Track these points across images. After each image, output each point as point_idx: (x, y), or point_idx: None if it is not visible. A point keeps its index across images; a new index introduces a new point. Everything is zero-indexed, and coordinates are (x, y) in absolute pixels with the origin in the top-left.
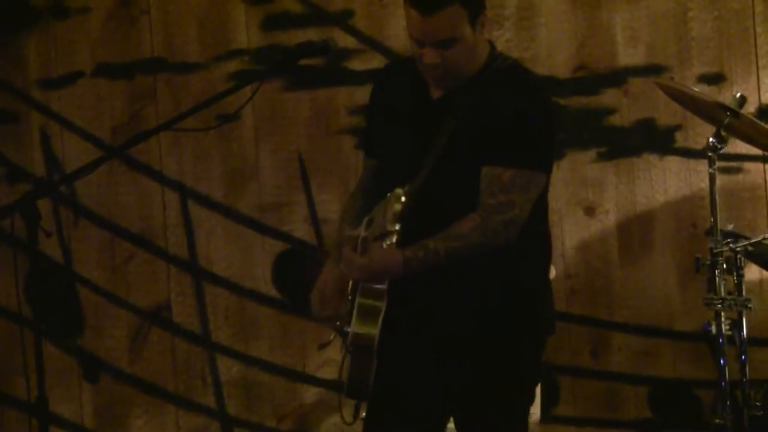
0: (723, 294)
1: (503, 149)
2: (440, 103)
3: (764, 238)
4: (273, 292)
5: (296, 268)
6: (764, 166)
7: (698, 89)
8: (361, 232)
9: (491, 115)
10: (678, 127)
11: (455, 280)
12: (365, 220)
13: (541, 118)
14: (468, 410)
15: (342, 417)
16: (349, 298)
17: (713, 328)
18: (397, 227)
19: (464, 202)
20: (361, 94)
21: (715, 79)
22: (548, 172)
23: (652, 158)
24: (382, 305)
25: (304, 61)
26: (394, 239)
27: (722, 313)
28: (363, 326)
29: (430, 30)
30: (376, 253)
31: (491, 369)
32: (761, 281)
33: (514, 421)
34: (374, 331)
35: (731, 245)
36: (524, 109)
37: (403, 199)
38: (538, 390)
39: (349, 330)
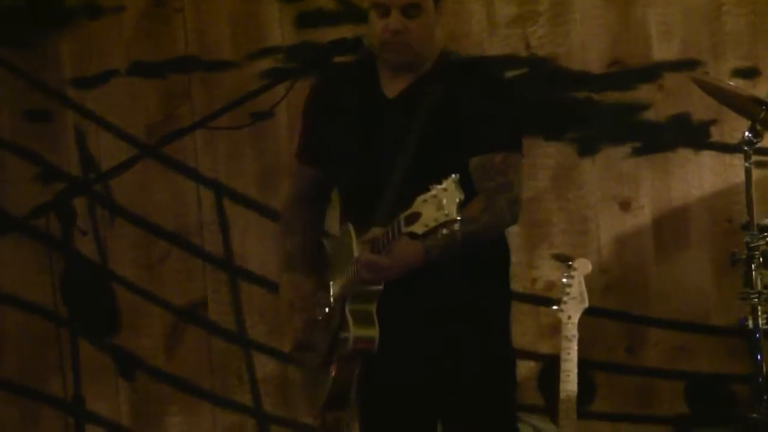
0: (759, 288)
1: (489, 136)
2: (399, 100)
3: None
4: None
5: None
6: None
7: (733, 83)
8: (352, 236)
9: (466, 105)
10: (713, 122)
11: (434, 282)
12: (347, 227)
13: (512, 103)
14: (455, 413)
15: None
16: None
17: (750, 323)
18: (461, 216)
19: None
20: None
21: (750, 73)
22: (523, 154)
23: (687, 153)
24: (374, 307)
25: (337, 59)
26: (456, 227)
27: (759, 308)
28: (362, 329)
29: None
30: (397, 250)
31: (478, 369)
32: None
33: (502, 418)
34: (374, 332)
35: None
36: (499, 96)
37: (460, 185)
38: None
39: (348, 335)
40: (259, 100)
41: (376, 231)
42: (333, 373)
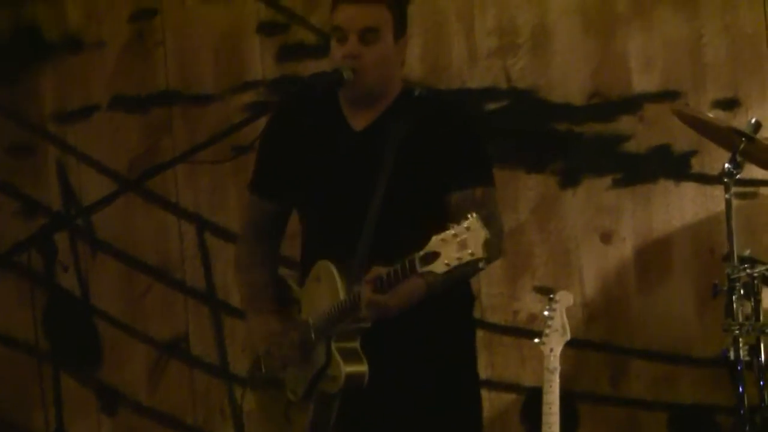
0: (741, 319)
1: (467, 172)
2: (367, 133)
3: None
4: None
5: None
6: None
7: (713, 115)
8: (334, 274)
9: (437, 142)
10: (694, 153)
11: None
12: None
13: (481, 138)
14: None
15: None
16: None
17: (731, 354)
18: (487, 255)
19: (420, 231)
20: None
21: (730, 104)
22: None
23: (668, 184)
24: (358, 343)
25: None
26: (482, 265)
27: (740, 339)
28: (352, 366)
29: (356, 17)
30: (401, 288)
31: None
32: None
33: None
34: (364, 368)
35: (748, 270)
36: (470, 132)
37: (481, 224)
38: None
39: (339, 374)
40: (240, 133)
41: (379, 270)
42: (311, 411)
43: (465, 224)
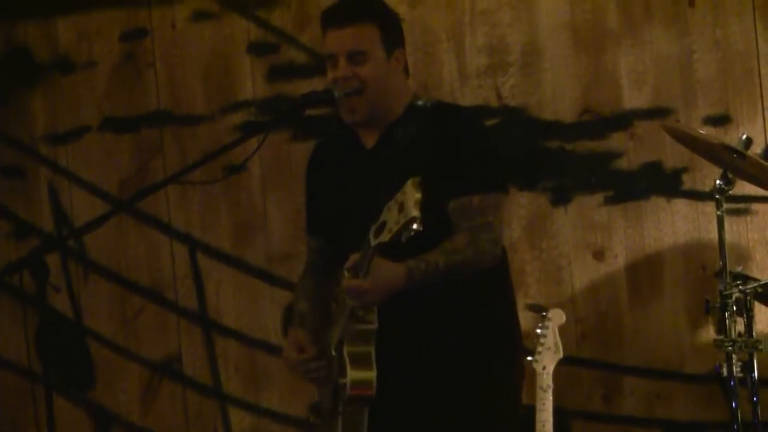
0: (733, 336)
1: (464, 179)
2: (376, 149)
3: None
4: (283, 343)
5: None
6: None
7: (704, 131)
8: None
9: (438, 148)
10: (685, 170)
11: (434, 325)
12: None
13: (488, 142)
14: None
15: None
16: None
17: (724, 370)
18: (419, 214)
19: (428, 239)
20: None
21: (721, 120)
22: (507, 192)
23: (660, 201)
24: (372, 348)
25: (309, 111)
26: (416, 225)
27: (733, 355)
28: (358, 372)
29: (343, 40)
30: (377, 272)
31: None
32: None
33: None
34: (371, 374)
35: (740, 287)
36: (471, 136)
37: (419, 186)
38: None
39: (346, 380)
40: (231, 153)
41: (354, 256)
42: (341, 425)
43: (402, 189)
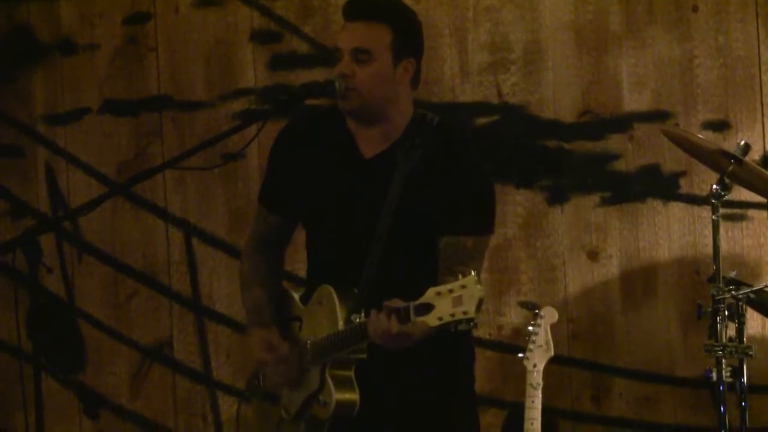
0: (724, 341)
1: (463, 220)
2: (377, 162)
3: (766, 286)
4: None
5: None
6: (767, 214)
7: (703, 136)
8: (335, 300)
9: (443, 181)
10: (683, 174)
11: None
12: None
13: (489, 182)
14: None
15: None
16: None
17: (714, 375)
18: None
19: (424, 264)
20: None
21: (720, 126)
22: (494, 232)
23: (656, 204)
24: (352, 372)
25: (309, 102)
26: (471, 325)
27: (723, 360)
28: (344, 394)
29: (352, 35)
30: (415, 323)
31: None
32: (763, 329)
33: None
34: (355, 397)
35: (733, 293)
36: (476, 176)
37: (477, 283)
38: None
39: (330, 400)
40: (230, 141)
41: (396, 302)
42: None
43: (462, 281)
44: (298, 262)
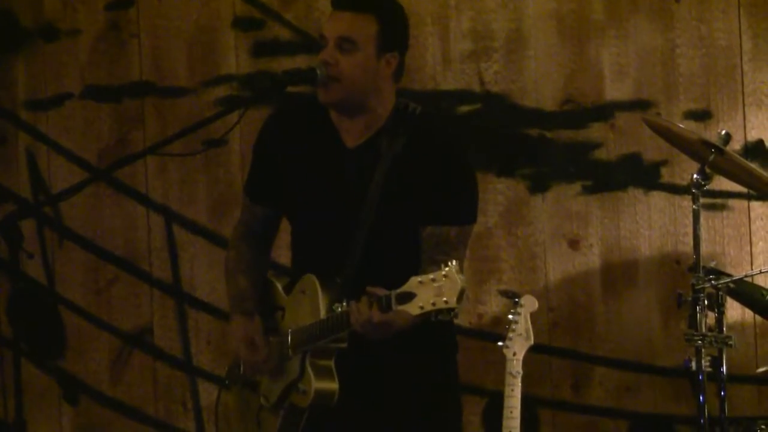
0: (704, 331)
1: (446, 208)
2: (360, 151)
3: (746, 276)
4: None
5: None
6: (748, 204)
7: (684, 125)
8: (317, 290)
9: (427, 171)
10: (664, 163)
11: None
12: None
13: (471, 172)
14: None
15: None
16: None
17: (693, 365)
18: (459, 306)
19: (407, 253)
20: None
21: (702, 115)
22: (476, 221)
23: (637, 193)
24: (332, 362)
25: (291, 88)
26: (452, 316)
27: (703, 350)
28: (323, 383)
29: (337, 24)
30: (397, 312)
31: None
32: (742, 319)
33: None
34: (334, 386)
35: (713, 282)
36: (458, 166)
37: (459, 273)
38: None
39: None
40: (212, 127)
41: (378, 289)
42: (281, 420)
43: (444, 271)
44: (279, 248)
